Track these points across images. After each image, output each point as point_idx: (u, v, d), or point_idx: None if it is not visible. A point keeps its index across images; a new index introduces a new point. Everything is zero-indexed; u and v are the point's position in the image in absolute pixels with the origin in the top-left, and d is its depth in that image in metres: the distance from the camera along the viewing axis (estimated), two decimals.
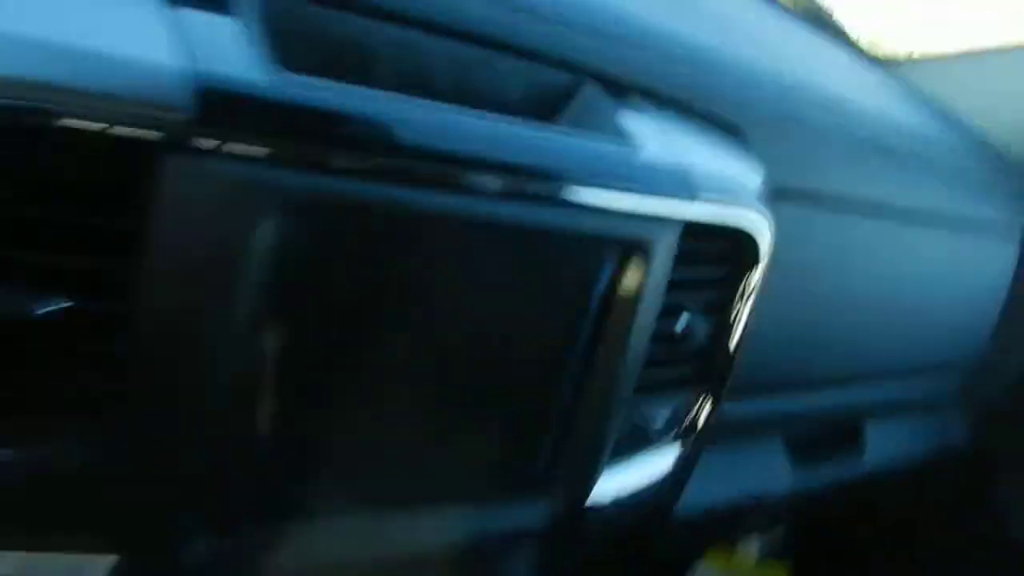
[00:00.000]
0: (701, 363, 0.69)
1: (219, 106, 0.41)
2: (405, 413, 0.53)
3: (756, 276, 0.68)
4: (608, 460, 0.63)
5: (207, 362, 0.44)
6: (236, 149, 0.41)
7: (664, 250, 0.59)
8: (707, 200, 0.61)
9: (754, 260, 0.67)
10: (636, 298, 0.59)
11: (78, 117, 0.38)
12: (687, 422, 0.70)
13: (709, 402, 0.70)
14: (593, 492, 0.63)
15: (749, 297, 0.69)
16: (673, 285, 0.61)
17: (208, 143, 0.41)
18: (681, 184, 0.59)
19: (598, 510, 0.64)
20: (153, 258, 0.41)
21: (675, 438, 0.69)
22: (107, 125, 0.39)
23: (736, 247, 0.66)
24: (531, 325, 0.56)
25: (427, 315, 0.51)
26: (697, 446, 0.71)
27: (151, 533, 0.47)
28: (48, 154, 0.40)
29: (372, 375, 0.51)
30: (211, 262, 0.43)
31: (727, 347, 0.69)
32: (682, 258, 0.60)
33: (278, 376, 0.47)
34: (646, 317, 0.60)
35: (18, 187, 0.39)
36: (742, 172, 0.66)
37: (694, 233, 0.60)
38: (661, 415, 0.68)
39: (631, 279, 0.59)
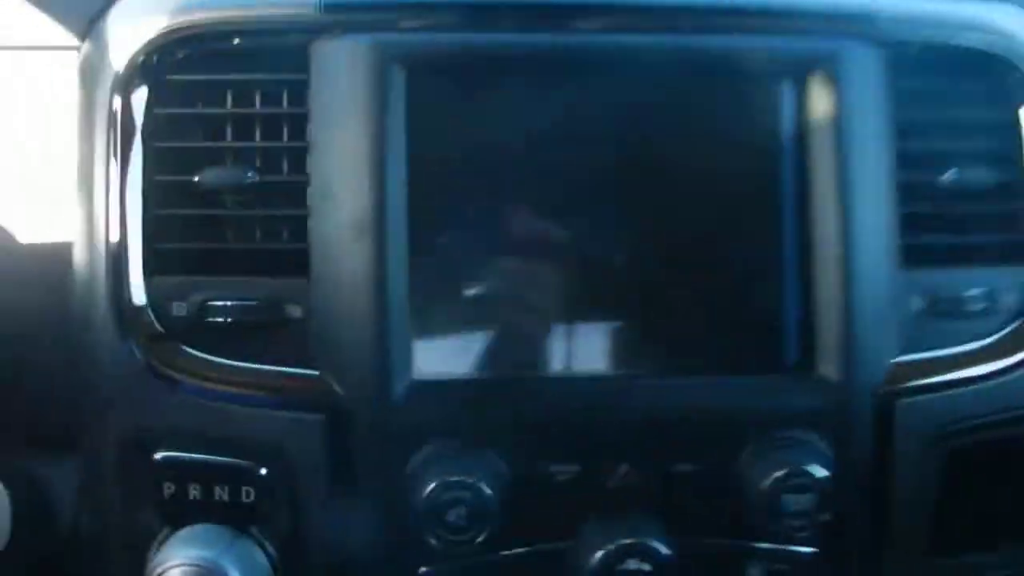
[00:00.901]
0: (1004, 227, 0.63)
1: None
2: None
3: None
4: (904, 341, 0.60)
5: None
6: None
7: (861, 66, 0.58)
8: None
9: None
10: (836, 129, 0.58)
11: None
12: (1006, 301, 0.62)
13: None
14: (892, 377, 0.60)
15: None
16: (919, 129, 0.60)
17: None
18: None
19: (902, 398, 0.60)
20: None
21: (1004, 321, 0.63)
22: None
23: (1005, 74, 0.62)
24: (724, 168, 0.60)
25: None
26: None
27: None
28: None
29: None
30: None
31: None
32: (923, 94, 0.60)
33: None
34: (865, 154, 0.58)
35: None
36: None
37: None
38: (973, 292, 0.62)
39: (819, 105, 0.58)
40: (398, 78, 0.59)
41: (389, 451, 0.59)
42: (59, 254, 0.64)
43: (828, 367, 0.59)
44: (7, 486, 0.70)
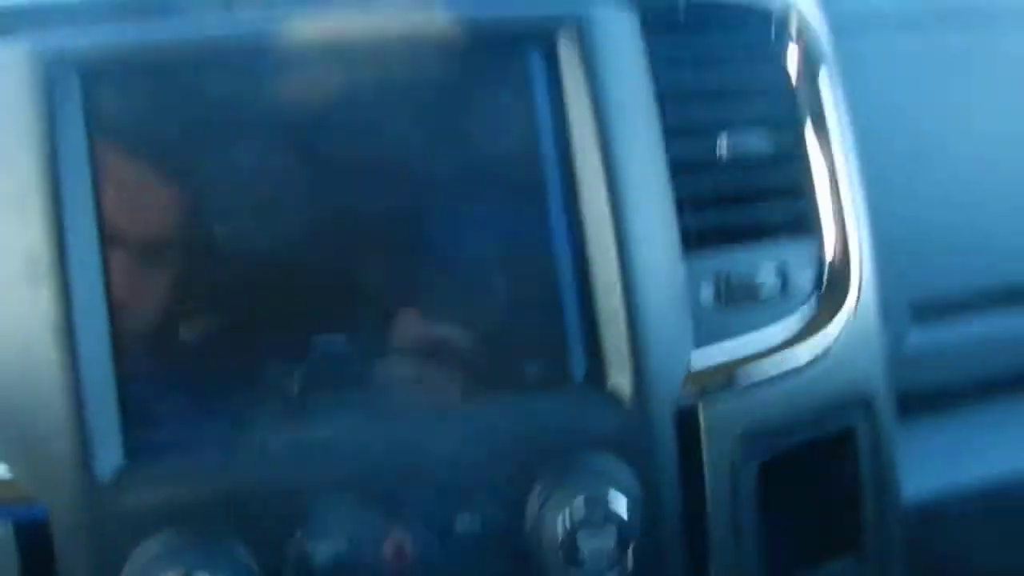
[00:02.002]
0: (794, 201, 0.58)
1: None
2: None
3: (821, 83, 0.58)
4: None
5: None
6: None
7: (611, 30, 0.52)
8: None
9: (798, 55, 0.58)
10: (592, 104, 0.51)
11: None
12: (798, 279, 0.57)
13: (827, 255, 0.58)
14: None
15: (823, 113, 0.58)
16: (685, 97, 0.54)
17: None
18: None
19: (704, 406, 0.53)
20: None
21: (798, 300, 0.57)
22: None
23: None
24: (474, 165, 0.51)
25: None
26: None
27: None
28: None
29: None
30: None
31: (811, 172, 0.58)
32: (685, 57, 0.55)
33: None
34: (626, 129, 0.51)
35: None
36: None
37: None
38: (765, 271, 0.56)
39: (571, 78, 0.51)
40: (71, 86, 0.48)
41: (103, 555, 0.47)
42: None
43: (619, 378, 0.51)
44: None
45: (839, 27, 0.61)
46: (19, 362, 0.46)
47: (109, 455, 0.47)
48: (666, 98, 0.54)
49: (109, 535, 0.47)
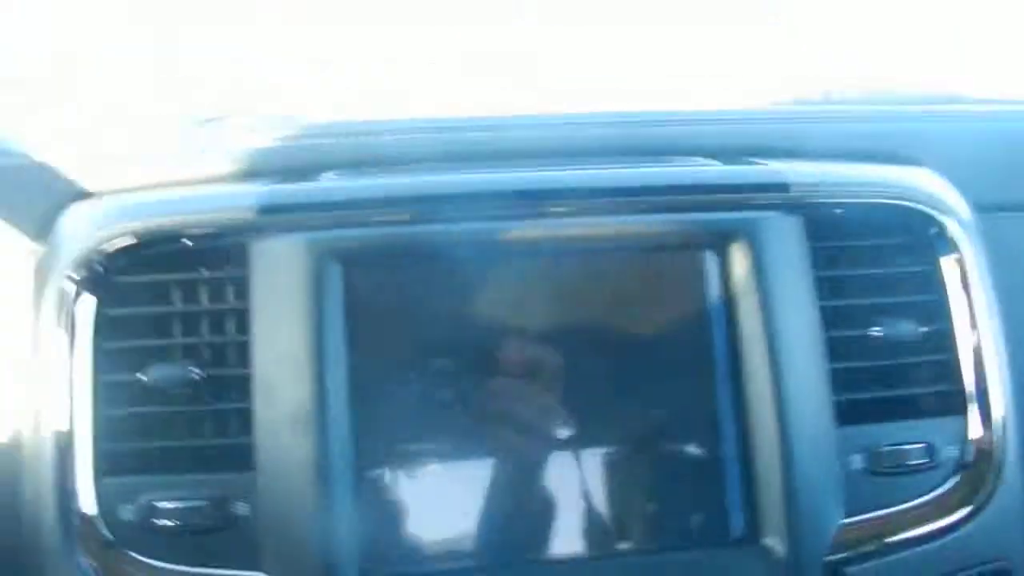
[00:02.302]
0: (937, 378, 0.65)
1: None
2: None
3: (969, 271, 0.65)
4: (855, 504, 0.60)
5: None
6: None
7: (777, 231, 0.61)
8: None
9: (944, 246, 0.65)
10: (759, 295, 0.60)
11: None
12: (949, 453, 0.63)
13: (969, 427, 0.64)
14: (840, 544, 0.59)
15: (971, 297, 0.65)
16: (843, 286, 0.63)
17: None
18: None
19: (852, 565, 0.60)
20: None
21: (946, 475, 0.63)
22: None
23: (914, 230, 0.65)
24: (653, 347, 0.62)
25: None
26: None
27: None
28: None
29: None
30: None
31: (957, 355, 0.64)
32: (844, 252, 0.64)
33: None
34: (789, 316, 0.60)
35: None
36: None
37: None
38: (912, 446, 0.62)
39: (741, 273, 0.61)
40: (333, 273, 0.61)
41: None
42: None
43: (773, 538, 0.59)
44: None
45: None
46: (284, 494, 0.59)
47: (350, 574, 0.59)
48: (825, 288, 0.62)
49: None
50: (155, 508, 0.60)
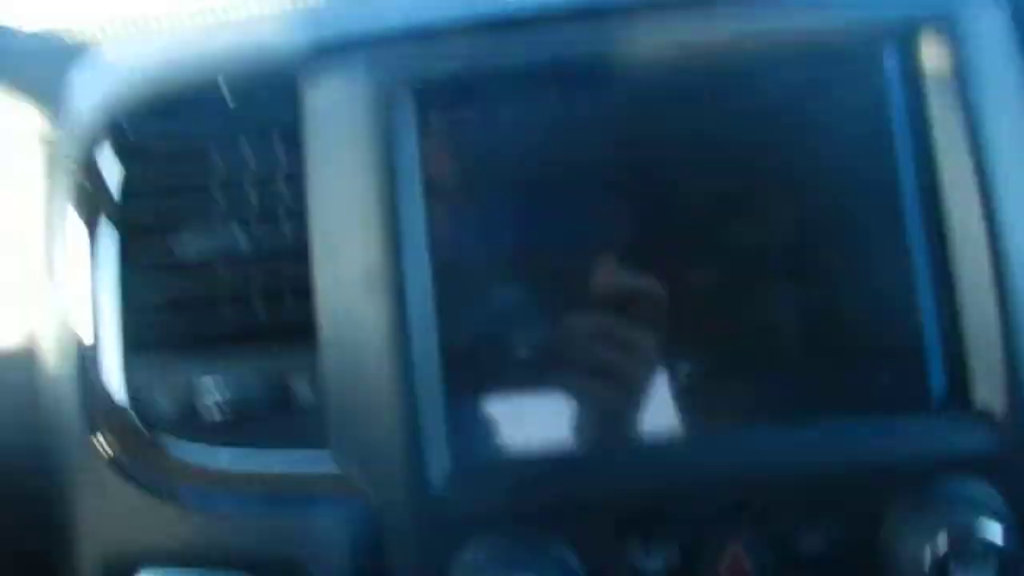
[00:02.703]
0: None
1: None
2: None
3: None
4: None
5: None
6: None
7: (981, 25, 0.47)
8: None
9: None
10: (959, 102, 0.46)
11: None
12: None
13: None
14: None
15: None
16: None
17: None
18: None
19: None
20: None
21: None
22: None
23: None
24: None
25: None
26: None
27: None
28: None
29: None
30: None
31: None
32: None
33: None
34: (999, 127, 0.46)
35: None
36: None
37: None
38: None
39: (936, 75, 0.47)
40: (406, 109, 0.49)
41: (430, 554, 0.47)
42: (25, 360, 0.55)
43: (988, 398, 0.45)
44: None
45: None
46: (354, 368, 0.48)
47: (438, 460, 0.47)
48: None
49: (437, 536, 0.47)
50: (196, 394, 0.49)
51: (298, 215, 0.50)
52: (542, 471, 0.47)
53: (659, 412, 0.48)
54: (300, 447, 0.49)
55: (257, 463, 0.49)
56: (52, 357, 0.52)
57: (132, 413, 0.50)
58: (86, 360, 0.50)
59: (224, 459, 0.49)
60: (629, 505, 0.46)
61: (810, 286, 0.49)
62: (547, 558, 0.45)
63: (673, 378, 0.48)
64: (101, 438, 0.49)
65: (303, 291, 0.49)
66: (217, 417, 0.49)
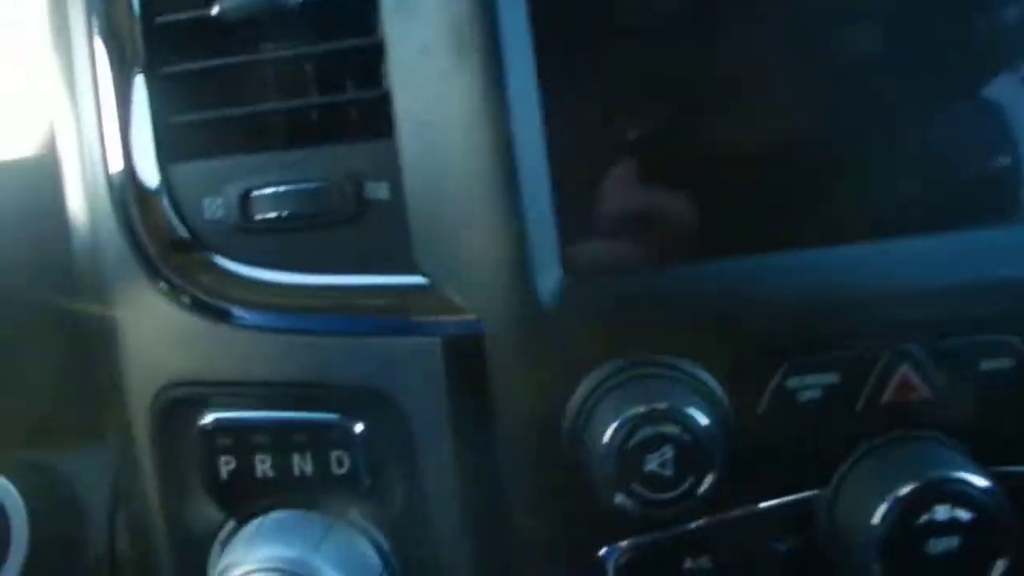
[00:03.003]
0: None
1: None
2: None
3: None
4: None
5: None
6: None
7: None
8: None
9: None
10: None
11: None
12: None
13: None
14: None
15: None
16: None
17: None
18: None
19: None
20: None
21: None
22: None
23: None
24: None
25: None
26: None
27: None
28: None
29: None
30: None
31: None
32: None
33: None
34: None
35: None
36: None
37: None
38: None
39: None
40: None
41: (541, 380, 0.39)
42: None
43: None
44: (21, 490, 0.52)
45: None
46: (443, 165, 0.39)
47: (549, 272, 0.39)
48: None
49: (549, 359, 0.39)
50: (251, 198, 0.41)
51: None
52: (672, 283, 0.40)
53: (810, 216, 0.40)
54: (374, 260, 0.41)
55: (330, 280, 0.41)
56: (76, 161, 0.43)
57: (177, 220, 0.41)
58: (119, 158, 0.42)
59: (283, 275, 0.42)
60: (779, 323, 0.39)
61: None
62: (687, 384, 0.38)
63: (830, 177, 0.40)
64: (143, 255, 0.42)
65: (374, 65, 0.40)
66: (272, 230, 0.41)
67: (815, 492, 0.40)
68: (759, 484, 0.40)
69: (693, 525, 0.40)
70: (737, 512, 0.40)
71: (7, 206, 0.48)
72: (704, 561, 0.41)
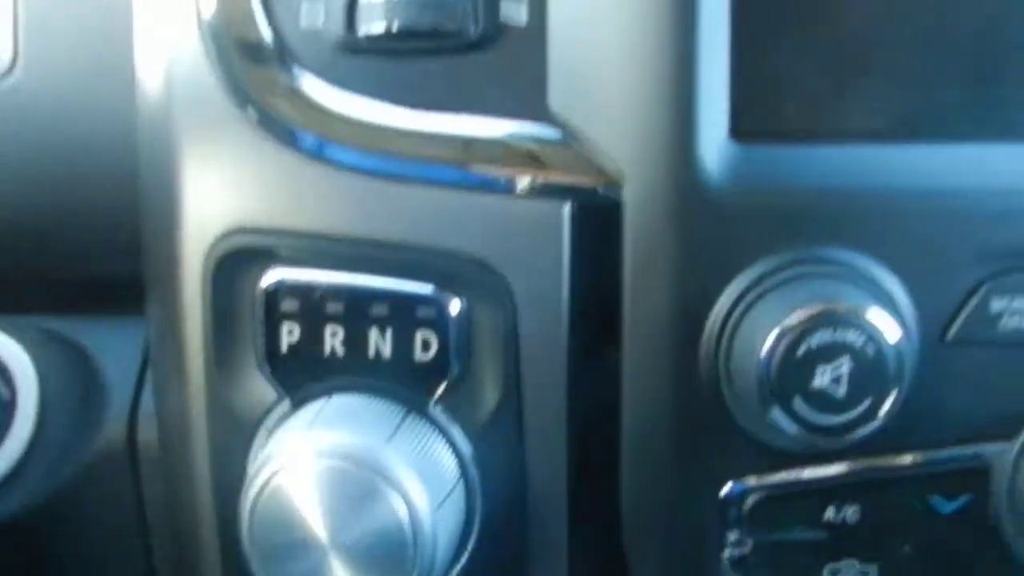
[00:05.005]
0: None
1: None
2: None
3: None
4: None
5: None
6: None
7: None
8: None
9: None
10: None
11: None
12: None
13: None
14: None
15: None
16: None
17: None
18: None
19: None
20: None
21: None
22: None
23: None
24: None
25: None
26: None
27: None
28: None
29: None
30: None
31: None
32: None
33: None
34: None
35: None
36: None
37: None
38: None
39: None
40: None
41: (690, 268, 0.32)
42: None
43: None
44: (35, 359, 0.46)
45: None
46: (619, 4, 0.32)
47: (714, 136, 0.32)
48: None
49: (707, 238, 0.32)
50: (358, 5, 0.33)
51: None
52: (860, 164, 0.32)
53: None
54: (498, 101, 0.34)
55: (429, 117, 0.34)
56: None
57: (266, 31, 0.34)
58: None
59: (383, 106, 0.34)
60: (988, 228, 0.32)
61: None
62: (865, 285, 0.31)
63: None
64: (222, 65, 0.34)
65: None
66: (379, 50, 0.34)
67: (999, 446, 0.33)
68: (933, 426, 0.33)
69: (845, 467, 0.33)
70: (900, 459, 0.33)
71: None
72: (851, 512, 0.34)
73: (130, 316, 0.45)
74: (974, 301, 0.32)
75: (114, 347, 0.47)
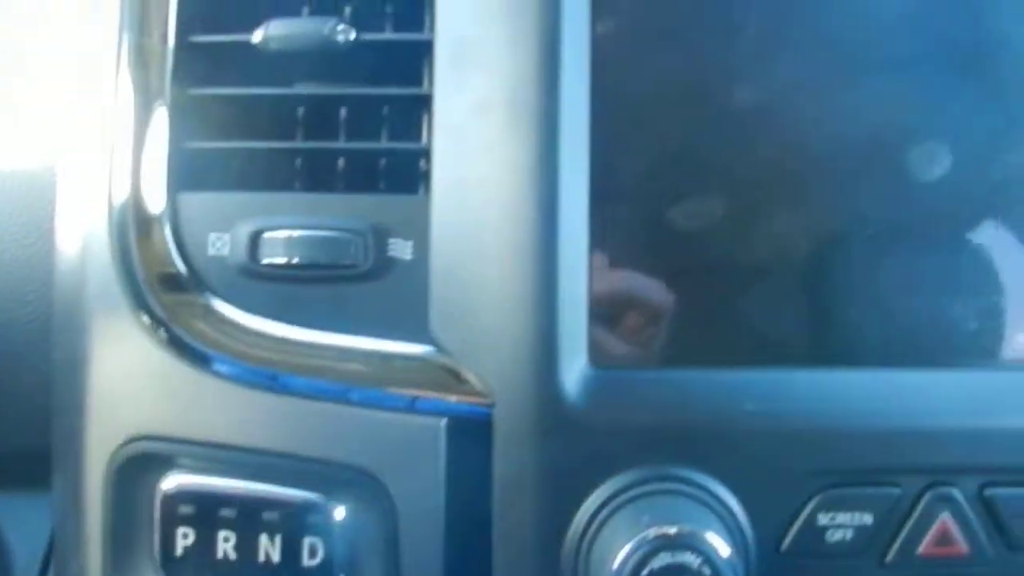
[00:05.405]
0: None
1: None
2: None
3: None
4: None
5: None
6: None
7: None
8: None
9: None
10: None
11: None
12: None
13: None
14: None
15: None
16: None
17: None
18: None
19: None
20: None
21: None
22: None
23: None
24: None
25: None
26: None
27: None
28: None
29: None
30: None
31: None
32: None
33: None
34: None
35: None
36: None
37: None
38: None
39: None
40: None
41: (551, 481, 0.35)
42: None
43: None
44: None
45: None
46: (476, 230, 0.36)
47: (574, 361, 0.36)
48: None
49: (566, 454, 0.35)
50: (262, 240, 0.37)
51: (414, 11, 0.38)
52: (704, 389, 0.36)
53: (865, 334, 0.37)
54: (384, 325, 0.37)
55: (336, 340, 0.37)
56: (74, 179, 0.40)
57: (177, 256, 0.38)
58: (128, 195, 0.38)
59: (279, 327, 0.38)
60: (815, 448, 0.35)
61: None
62: (705, 503, 0.34)
63: (887, 295, 0.37)
64: (134, 286, 0.38)
65: (413, 114, 0.38)
66: (279, 277, 0.38)
67: None
68: None
69: None
70: None
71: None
72: None
73: (41, 491, 0.46)
74: (803, 516, 0.35)
75: (23, 523, 0.48)
